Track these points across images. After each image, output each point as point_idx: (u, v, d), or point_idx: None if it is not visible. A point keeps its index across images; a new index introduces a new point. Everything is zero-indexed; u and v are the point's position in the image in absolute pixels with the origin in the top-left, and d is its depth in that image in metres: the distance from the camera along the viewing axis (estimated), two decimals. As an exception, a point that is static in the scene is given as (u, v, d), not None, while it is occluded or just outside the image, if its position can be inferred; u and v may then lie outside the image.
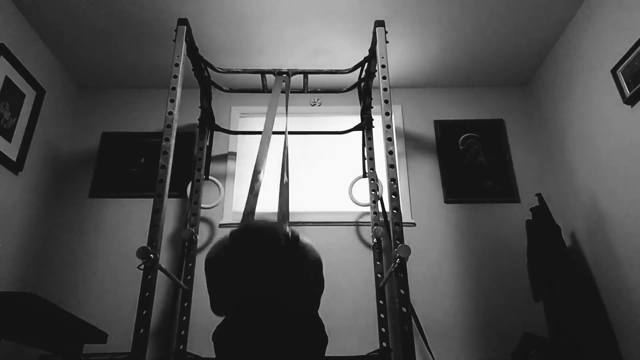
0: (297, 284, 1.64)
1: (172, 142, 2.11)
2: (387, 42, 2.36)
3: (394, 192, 2.02)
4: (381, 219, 2.83)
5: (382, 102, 2.21)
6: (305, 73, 2.74)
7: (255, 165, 2.01)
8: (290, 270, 1.63)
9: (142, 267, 1.85)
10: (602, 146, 2.51)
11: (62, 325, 1.73)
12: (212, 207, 2.92)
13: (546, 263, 2.46)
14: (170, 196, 2.93)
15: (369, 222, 2.90)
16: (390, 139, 2.13)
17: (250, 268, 1.61)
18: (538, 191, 2.77)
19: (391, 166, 2.07)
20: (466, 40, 2.94)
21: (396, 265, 1.87)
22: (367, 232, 2.93)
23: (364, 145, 3.02)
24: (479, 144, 3.18)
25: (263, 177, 2.00)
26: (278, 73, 2.65)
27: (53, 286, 2.76)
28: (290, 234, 1.70)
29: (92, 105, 3.31)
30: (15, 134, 2.61)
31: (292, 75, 2.65)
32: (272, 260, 1.62)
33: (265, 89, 2.84)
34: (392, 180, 2.04)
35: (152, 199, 1.99)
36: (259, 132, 3.11)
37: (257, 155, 2.07)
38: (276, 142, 2.75)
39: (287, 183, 1.94)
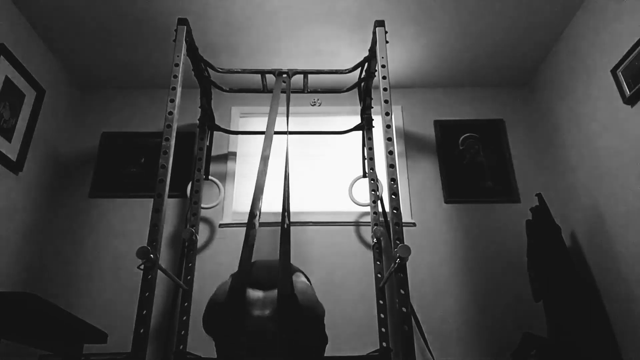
0: (298, 345, 1.60)
1: (172, 142, 2.11)
2: (387, 42, 2.36)
3: (394, 192, 2.02)
4: (381, 219, 2.83)
5: (382, 102, 2.21)
6: (305, 73, 2.74)
7: (250, 209, 1.84)
8: (289, 337, 1.58)
9: (142, 267, 1.85)
10: (602, 146, 2.51)
11: (62, 325, 1.73)
12: (212, 207, 2.92)
13: (546, 263, 2.46)
14: (170, 196, 2.93)
15: (369, 222, 2.90)
16: (390, 139, 2.13)
17: (252, 324, 1.57)
18: (538, 191, 2.77)
19: (391, 166, 2.07)
20: (466, 40, 2.94)
21: (396, 265, 1.87)
22: (367, 232, 2.93)
23: (364, 145, 3.02)
24: (479, 144, 3.18)
25: (259, 221, 1.84)
26: (278, 73, 2.65)
27: (53, 286, 2.76)
28: (287, 288, 1.62)
29: (92, 105, 3.31)
30: (15, 134, 2.61)
31: (292, 76, 2.65)
32: (270, 328, 1.56)
33: (265, 89, 2.84)
34: (392, 180, 2.04)
35: (152, 199, 1.99)
36: (259, 132, 3.11)
37: (254, 192, 1.89)
38: (276, 142, 2.75)
39: (289, 227, 1.78)
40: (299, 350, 1.59)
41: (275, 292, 1.62)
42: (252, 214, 1.82)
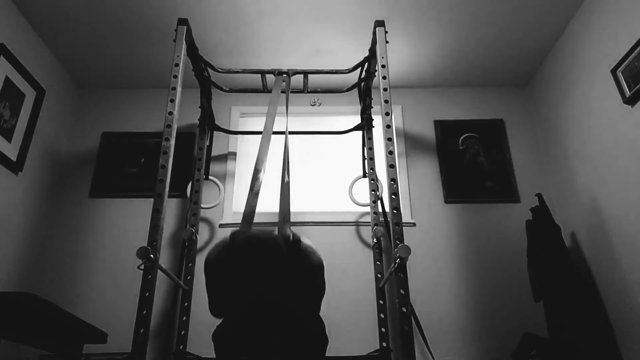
0: (298, 288, 1.64)
1: (172, 142, 2.11)
2: (387, 42, 2.36)
3: (394, 192, 2.02)
4: (381, 219, 2.83)
5: (382, 102, 2.21)
6: (305, 73, 2.74)
7: (255, 164, 2.00)
8: (291, 275, 1.63)
9: (142, 267, 1.85)
10: (602, 146, 2.51)
11: (62, 325, 1.73)
12: (212, 207, 2.92)
13: (546, 263, 2.46)
14: (170, 196, 2.93)
15: (369, 222, 2.90)
16: (390, 139, 2.13)
17: (251, 272, 1.62)
18: (538, 191, 2.77)
19: (391, 166, 2.07)
20: (466, 40, 2.94)
21: (396, 265, 1.87)
22: (367, 232, 2.93)
23: (364, 145, 3.02)
24: (479, 144, 3.18)
25: (263, 177, 2.00)
26: (278, 73, 2.65)
27: (53, 286, 2.76)
28: (291, 236, 1.70)
29: (92, 105, 3.31)
30: (15, 134, 2.61)
31: (292, 75, 2.65)
32: (272, 265, 1.62)
33: (265, 89, 2.84)
34: (392, 180, 2.04)
35: (152, 199, 1.99)
36: (259, 132, 3.11)
37: (258, 154, 2.05)
38: (276, 142, 2.75)
39: (288, 183, 1.92)
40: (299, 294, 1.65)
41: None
42: (257, 169, 1.96)
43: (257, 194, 1.91)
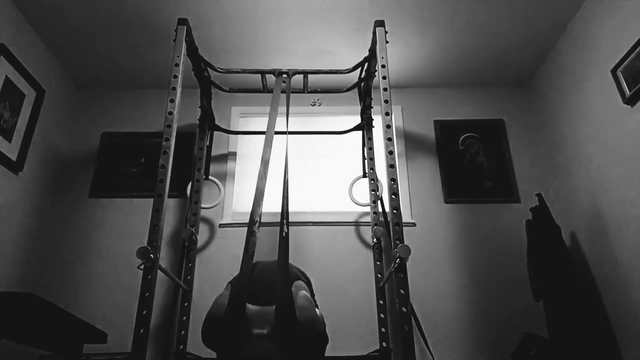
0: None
1: (172, 142, 2.11)
2: (387, 42, 2.37)
3: (394, 192, 2.02)
4: (381, 219, 2.83)
5: (382, 102, 2.21)
6: (305, 73, 2.74)
7: (250, 215, 1.83)
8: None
9: (142, 267, 1.85)
10: (602, 146, 2.51)
11: (62, 325, 1.73)
12: (212, 207, 2.92)
13: (546, 263, 2.46)
14: (170, 196, 2.93)
15: (369, 222, 2.90)
16: (390, 139, 2.13)
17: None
18: (538, 191, 2.77)
19: (391, 166, 2.07)
20: (466, 40, 2.94)
21: (396, 265, 1.87)
22: (367, 232, 2.93)
23: (364, 145, 3.02)
24: (479, 144, 3.18)
25: (259, 228, 1.82)
26: (278, 73, 2.64)
27: (53, 286, 2.76)
28: (286, 303, 1.58)
29: (92, 105, 3.31)
30: (15, 134, 2.61)
31: (292, 76, 2.65)
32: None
33: (265, 89, 2.84)
34: (392, 180, 2.04)
35: (152, 199, 1.99)
36: (259, 132, 3.11)
37: (254, 198, 1.89)
38: (277, 144, 2.74)
39: (287, 235, 1.78)
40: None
41: (274, 308, 1.59)
42: (252, 220, 1.81)
43: (252, 255, 1.70)
